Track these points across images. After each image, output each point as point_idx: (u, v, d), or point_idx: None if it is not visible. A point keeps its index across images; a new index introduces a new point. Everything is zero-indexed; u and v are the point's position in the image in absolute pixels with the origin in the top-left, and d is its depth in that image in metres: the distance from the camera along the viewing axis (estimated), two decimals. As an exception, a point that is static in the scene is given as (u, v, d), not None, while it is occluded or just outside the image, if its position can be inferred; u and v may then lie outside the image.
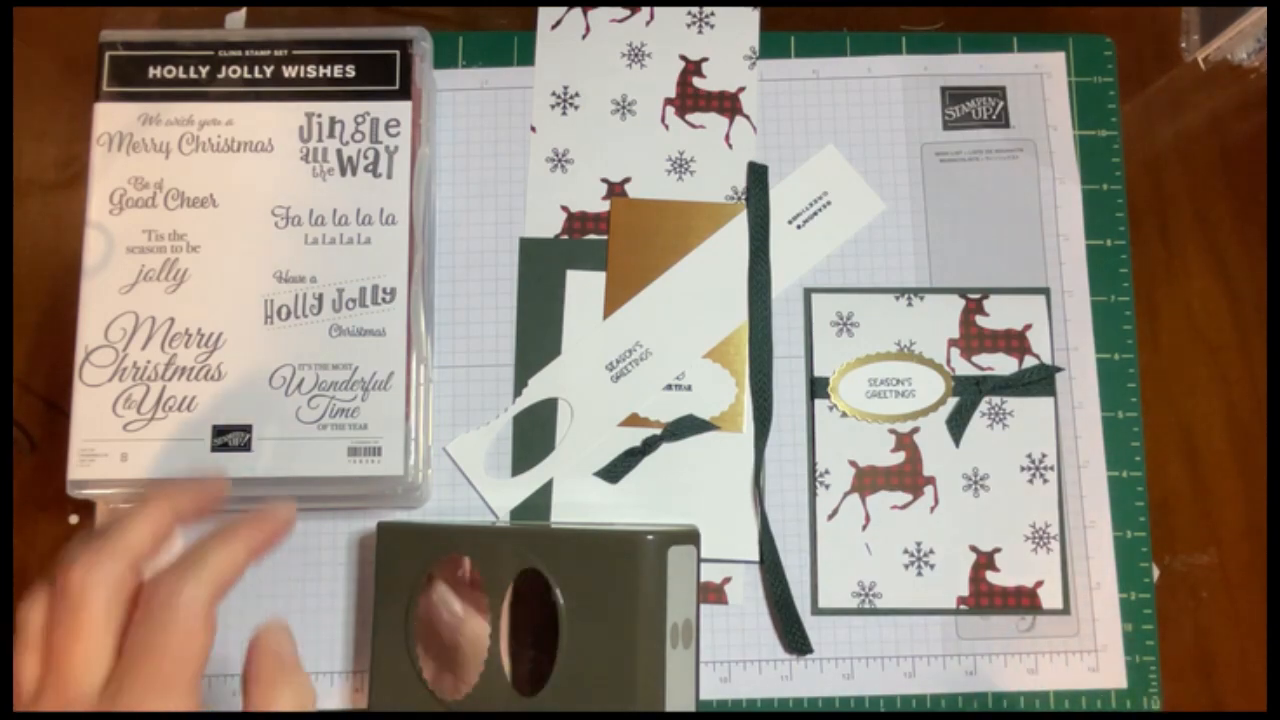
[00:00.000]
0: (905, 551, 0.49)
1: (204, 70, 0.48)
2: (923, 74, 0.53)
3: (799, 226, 0.52)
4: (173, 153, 0.48)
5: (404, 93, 0.49)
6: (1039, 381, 0.50)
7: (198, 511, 0.36)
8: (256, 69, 0.48)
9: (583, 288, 0.51)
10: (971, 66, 0.53)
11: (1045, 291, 0.51)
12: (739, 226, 0.51)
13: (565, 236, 0.51)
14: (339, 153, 0.48)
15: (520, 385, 0.50)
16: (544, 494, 0.49)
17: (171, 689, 0.31)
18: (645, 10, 0.53)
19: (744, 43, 0.53)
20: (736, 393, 0.50)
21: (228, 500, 0.38)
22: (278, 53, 0.49)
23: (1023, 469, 0.49)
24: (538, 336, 0.50)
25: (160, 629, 0.32)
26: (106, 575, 0.32)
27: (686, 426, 0.50)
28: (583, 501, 0.49)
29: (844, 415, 0.50)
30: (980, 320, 0.50)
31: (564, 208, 0.52)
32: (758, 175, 0.52)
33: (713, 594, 0.49)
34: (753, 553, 0.49)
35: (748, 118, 0.52)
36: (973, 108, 0.52)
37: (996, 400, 0.50)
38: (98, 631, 0.32)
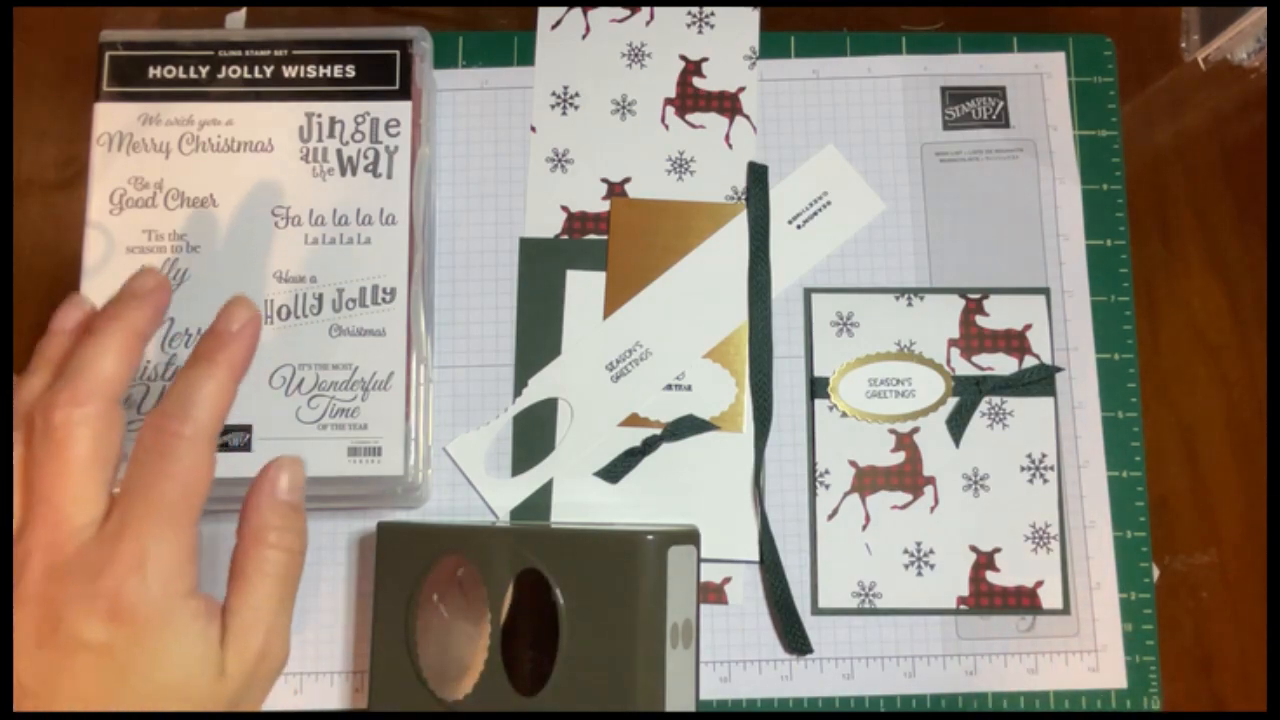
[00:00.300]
0: (905, 551, 0.49)
1: (204, 70, 0.48)
2: (923, 74, 0.53)
3: (799, 226, 0.52)
4: (173, 153, 0.48)
5: (404, 93, 0.49)
6: (1039, 381, 0.50)
7: (154, 324, 0.35)
8: (256, 69, 0.49)
9: (583, 288, 0.51)
10: (971, 66, 0.53)
11: (1045, 291, 0.51)
12: (739, 226, 0.51)
13: (565, 236, 0.51)
14: (339, 153, 0.48)
15: (520, 385, 0.50)
16: (544, 494, 0.49)
17: (176, 521, 0.32)
18: (645, 10, 0.53)
19: (744, 43, 0.53)
20: (736, 393, 0.50)
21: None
22: (278, 53, 0.49)
23: (1023, 469, 0.49)
24: (538, 336, 0.50)
25: (165, 465, 0.32)
26: (90, 415, 0.32)
27: (686, 426, 0.50)
28: (583, 501, 0.49)
29: (844, 415, 0.50)
30: (980, 320, 0.50)
31: (564, 208, 0.52)
32: (758, 175, 0.52)
33: (713, 594, 0.49)
34: (753, 553, 0.49)
35: (748, 118, 0.52)
36: (973, 108, 0.52)
37: (996, 400, 0.50)
38: (85, 470, 0.32)
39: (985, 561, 0.48)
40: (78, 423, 0.32)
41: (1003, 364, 0.50)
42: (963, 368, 0.50)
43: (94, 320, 0.35)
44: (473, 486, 0.49)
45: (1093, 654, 0.48)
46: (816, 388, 0.50)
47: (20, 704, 0.31)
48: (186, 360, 0.35)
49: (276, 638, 0.35)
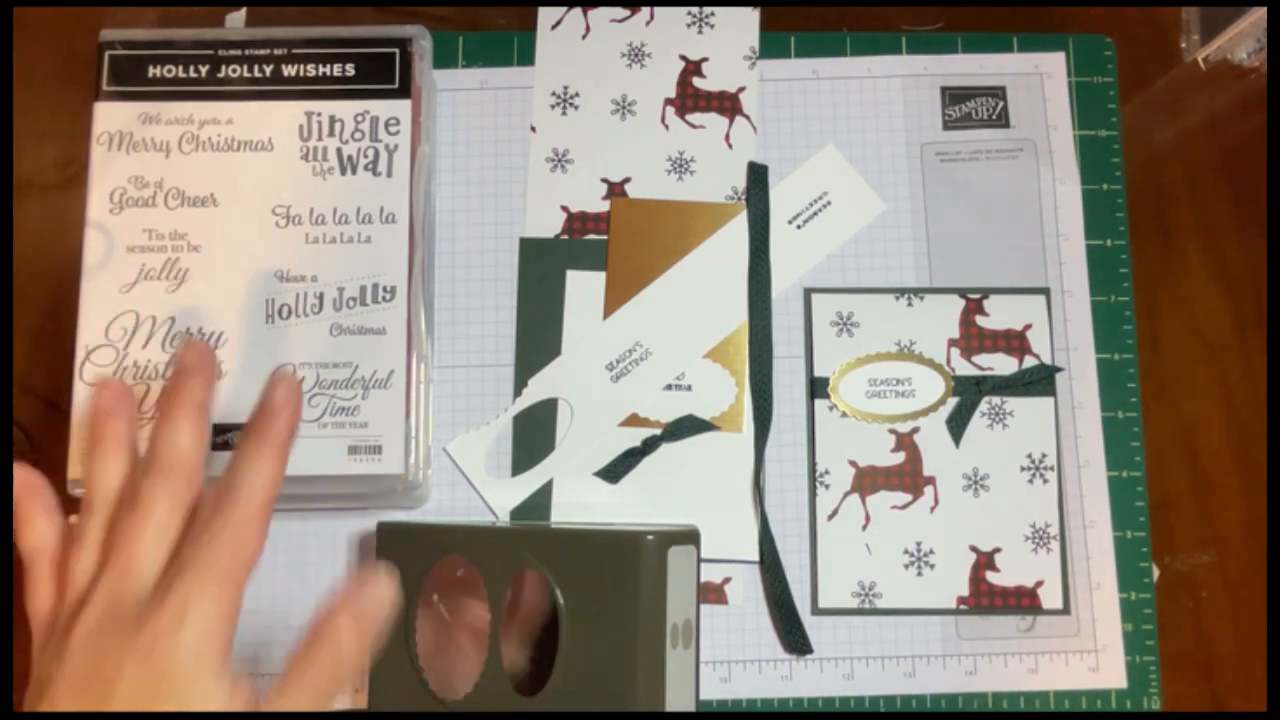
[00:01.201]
0: (905, 551, 0.49)
1: (204, 69, 0.48)
2: (923, 74, 0.53)
3: (799, 226, 0.52)
4: (173, 152, 0.48)
5: (404, 91, 0.49)
6: (1039, 381, 0.50)
7: (212, 392, 0.38)
8: (256, 68, 0.48)
9: (583, 288, 0.51)
10: (971, 66, 0.53)
11: (1045, 291, 0.51)
12: (739, 226, 0.51)
13: (565, 236, 0.51)
14: (339, 151, 0.48)
15: (520, 385, 0.50)
16: (544, 494, 0.49)
17: (221, 587, 0.34)
18: (645, 10, 0.53)
19: (744, 43, 0.53)
20: (736, 393, 0.50)
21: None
22: (277, 52, 0.49)
23: (1023, 469, 0.49)
24: (538, 336, 0.50)
25: (220, 530, 0.34)
26: (171, 488, 0.35)
27: (686, 426, 0.50)
28: (583, 501, 0.49)
29: (844, 415, 0.50)
30: (980, 320, 0.50)
31: (564, 208, 0.52)
32: (758, 175, 0.52)
33: (713, 594, 0.49)
34: (753, 553, 0.49)
35: (748, 118, 0.52)
36: (973, 108, 0.52)
37: (996, 400, 0.50)
38: (156, 533, 0.35)
39: (985, 561, 0.48)
40: (160, 495, 0.35)
41: (1003, 364, 0.50)
42: (963, 368, 0.50)
43: (162, 402, 0.37)
44: (473, 486, 0.49)
45: (1093, 654, 0.48)
46: (816, 388, 0.50)
47: None
48: (239, 436, 0.37)
49: None
